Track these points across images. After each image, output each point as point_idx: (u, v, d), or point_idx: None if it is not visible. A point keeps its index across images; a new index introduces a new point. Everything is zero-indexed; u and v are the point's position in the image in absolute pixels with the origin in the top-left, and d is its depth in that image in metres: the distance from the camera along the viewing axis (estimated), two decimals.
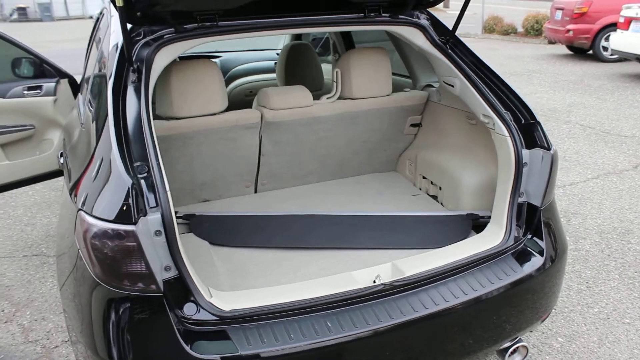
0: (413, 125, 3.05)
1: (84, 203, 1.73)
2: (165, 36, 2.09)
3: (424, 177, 3.00)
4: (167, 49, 2.09)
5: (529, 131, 2.22)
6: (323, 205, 2.82)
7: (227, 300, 1.79)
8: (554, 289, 2.21)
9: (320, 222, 2.61)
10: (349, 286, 1.86)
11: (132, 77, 1.99)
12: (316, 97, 2.81)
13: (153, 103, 3.76)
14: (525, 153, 2.18)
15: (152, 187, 1.70)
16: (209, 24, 2.15)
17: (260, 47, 5.48)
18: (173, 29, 2.13)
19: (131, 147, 1.79)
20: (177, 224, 2.62)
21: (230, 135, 2.59)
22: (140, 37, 2.11)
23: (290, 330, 1.74)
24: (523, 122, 2.24)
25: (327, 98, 2.78)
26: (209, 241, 2.47)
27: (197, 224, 2.58)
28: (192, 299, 1.73)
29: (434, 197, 2.90)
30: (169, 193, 1.71)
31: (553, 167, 2.17)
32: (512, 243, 2.15)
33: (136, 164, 1.74)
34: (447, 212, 2.68)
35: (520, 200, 2.21)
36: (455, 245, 2.18)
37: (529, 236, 2.20)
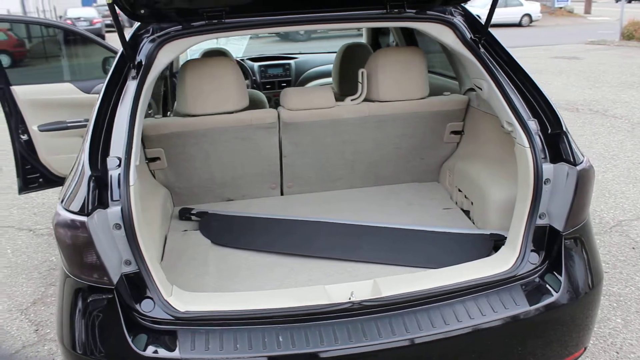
0: (454, 132, 2.79)
1: (63, 195, 1.79)
2: (169, 33, 2.11)
3: (459, 190, 2.73)
4: (170, 45, 2.11)
5: (555, 143, 1.90)
6: (343, 212, 2.68)
7: (187, 301, 1.75)
8: (572, 333, 1.87)
9: (328, 230, 2.47)
10: (316, 300, 1.72)
11: (132, 72, 2.04)
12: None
13: (165, 98, 3.79)
14: (548, 168, 1.87)
15: (119, 181, 1.71)
16: (215, 20, 2.14)
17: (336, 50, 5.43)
18: (180, 26, 2.14)
19: (113, 141, 1.83)
20: (192, 220, 2.67)
21: (245, 134, 2.56)
22: (149, 34, 2.15)
23: (238, 339, 1.65)
24: (550, 131, 1.92)
25: (352, 100, 2.63)
26: (212, 240, 2.45)
27: (205, 223, 2.58)
28: (149, 295, 1.71)
29: (467, 212, 2.62)
30: (131, 188, 1.71)
31: (580, 186, 1.84)
32: (525, 271, 1.86)
33: (109, 157, 1.77)
34: (468, 230, 2.40)
35: (540, 222, 1.90)
36: (457, 267, 1.94)
37: (546, 266, 1.88)
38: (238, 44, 5.41)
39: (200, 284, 2.13)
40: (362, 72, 2.61)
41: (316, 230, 2.47)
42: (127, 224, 1.67)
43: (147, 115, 2.60)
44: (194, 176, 2.70)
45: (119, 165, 1.74)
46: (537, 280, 1.86)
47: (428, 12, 2.26)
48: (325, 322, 1.69)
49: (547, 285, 1.84)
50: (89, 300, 1.71)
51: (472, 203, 2.56)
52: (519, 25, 23.83)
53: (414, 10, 2.25)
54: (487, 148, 2.55)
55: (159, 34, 2.12)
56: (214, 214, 2.64)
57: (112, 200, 1.69)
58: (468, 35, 2.23)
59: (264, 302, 1.74)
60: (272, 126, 2.57)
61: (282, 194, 2.95)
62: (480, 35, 2.22)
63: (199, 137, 2.53)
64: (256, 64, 4.92)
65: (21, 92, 3.52)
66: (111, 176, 1.72)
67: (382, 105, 2.60)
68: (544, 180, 1.86)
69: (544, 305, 1.78)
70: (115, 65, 2.06)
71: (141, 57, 2.07)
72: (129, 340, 1.65)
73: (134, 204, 1.70)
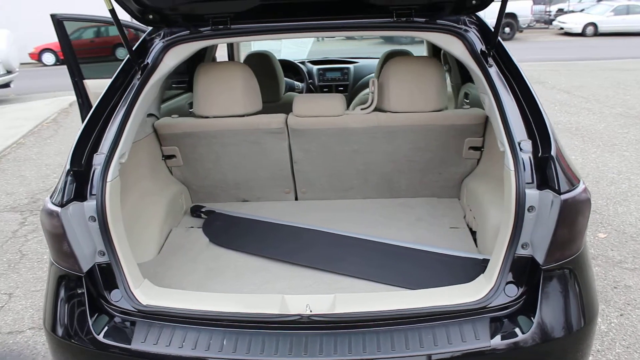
0: (473, 148, 2.64)
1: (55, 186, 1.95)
2: (175, 37, 2.21)
3: (470, 210, 2.58)
4: (176, 49, 2.21)
5: (543, 167, 1.75)
6: (347, 222, 2.64)
7: (152, 295, 1.84)
8: None
9: (322, 240, 2.46)
10: (266, 309, 1.73)
11: (137, 74, 2.17)
12: None
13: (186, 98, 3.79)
14: (533, 194, 1.70)
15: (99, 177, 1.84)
16: (221, 26, 2.20)
17: None
18: (188, 31, 2.23)
19: (105, 138, 1.96)
20: (202, 218, 2.77)
21: (254, 138, 2.60)
22: (160, 38, 2.27)
23: (186, 338, 1.70)
24: (540, 154, 1.77)
25: (362, 109, 2.59)
26: (210, 239, 2.53)
27: (209, 221, 2.66)
28: (118, 286, 1.82)
29: (475, 234, 2.48)
30: (109, 184, 1.82)
31: (564, 216, 1.67)
32: (498, 304, 1.73)
33: (97, 154, 1.90)
34: (463, 254, 2.27)
35: (523, 252, 1.75)
36: (428, 291, 1.85)
37: (523, 300, 1.74)
38: (302, 47, 5.49)
39: (184, 280, 2.21)
40: (373, 81, 2.56)
41: (310, 239, 2.47)
42: (101, 217, 1.78)
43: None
44: (207, 175, 2.80)
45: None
46: (509, 315, 1.73)
47: (438, 21, 2.17)
48: (271, 331, 1.69)
49: (518, 322, 1.70)
50: (64, 286, 1.86)
51: (478, 224, 2.43)
52: None
53: (423, 20, 2.17)
54: (498, 168, 2.39)
55: (167, 38, 2.23)
56: (220, 214, 2.72)
57: (90, 194, 1.81)
58: (478, 46, 2.11)
59: (219, 304, 1.78)
60: (279, 131, 2.60)
61: (296, 199, 2.97)
62: (490, 47, 2.09)
63: (210, 138, 2.62)
64: (315, 67, 4.97)
65: (92, 85, 3.85)
66: (94, 171, 1.85)
67: (392, 116, 2.53)
68: (527, 207, 1.72)
69: (507, 344, 1.65)
70: (122, 65, 2.19)
71: (149, 59, 2.19)
72: (90, 324, 1.77)
73: (109, 199, 1.80)
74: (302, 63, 5.03)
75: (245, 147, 2.66)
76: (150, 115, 2.71)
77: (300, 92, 4.68)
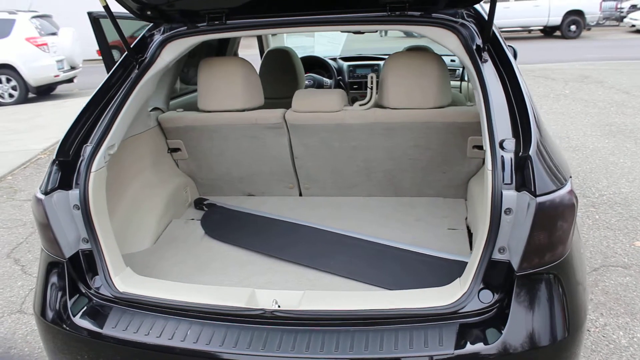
0: (477, 147, 2.54)
1: None
2: (172, 32, 2.26)
3: (470, 211, 2.49)
4: (173, 44, 2.26)
5: (521, 167, 1.66)
6: (344, 220, 2.61)
7: (130, 283, 1.89)
8: None
9: (311, 236, 2.45)
10: (232, 302, 1.75)
11: (135, 69, 2.24)
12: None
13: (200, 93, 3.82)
14: (510, 196, 1.61)
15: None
16: (217, 22, 2.23)
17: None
18: (185, 26, 2.28)
19: (97, 130, 2.04)
20: (204, 210, 2.82)
21: (253, 133, 2.62)
22: (159, 33, 2.33)
23: (155, 326, 1.74)
24: (521, 154, 1.68)
25: (360, 105, 2.55)
26: (206, 232, 2.57)
27: (208, 214, 2.71)
28: (98, 273, 1.89)
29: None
30: (93, 174, 1.90)
31: (540, 220, 1.58)
32: (470, 309, 1.65)
33: (87, 145, 1.98)
34: (450, 256, 2.18)
35: (500, 257, 1.66)
36: (401, 292, 1.80)
37: (496, 308, 1.66)
38: (334, 43, 5.47)
39: (172, 271, 2.26)
40: (372, 77, 2.51)
41: (303, 235, 2.46)
42: (83, 206, 1.86)
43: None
44: (212, 169, 2.85)
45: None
46: (481, 322, 1.65)
47: (433, 15, 2.10)
48: (235, 324, 1.71)
49: (487, 331, 1.62)
50: (50, 272, 1.94)
51: (473, 226, 2.34)
52: None
53: (418, 13, 2.11)
54: None
55: (166, 34, 2.28)
56: (220, 207, 2.76)
57: (76, 183, 1.89)
58: (474, 41, 2.03)
59: (191, 295, 1.81)
60: (278, 126, 2.60)
61: (300, 194, 2.97)
62: (484, 41, 2.01)
63: (211, 132, 2.66)
64: (346, 64, 4.94)
65: None
66: (81, 161, 1.92)
67: (390, 112, 2.48)
68: (504, 209, 1.63)
69: (470, 353, 1.58)
70: (120, 60, 2.27)
71: (147, 54, 2.25)
72: (69, 307, 1.84)
73: (92, 188, 1.87)
74: (334, 60, 5.02)
75: (246, 142, 2.69)
76: (155, 109, 2.78)
77: (329, 88, 4.67)
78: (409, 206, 2.77)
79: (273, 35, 4.87)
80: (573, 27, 19.79)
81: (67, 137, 1.97)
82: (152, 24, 2.37)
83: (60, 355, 1.91)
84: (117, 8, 2.15)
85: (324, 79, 4.71)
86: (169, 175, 2.81)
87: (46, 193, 1.85)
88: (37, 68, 11.45)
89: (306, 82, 4.47)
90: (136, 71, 2.21)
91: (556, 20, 19.29)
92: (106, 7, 2.06)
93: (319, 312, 1.68)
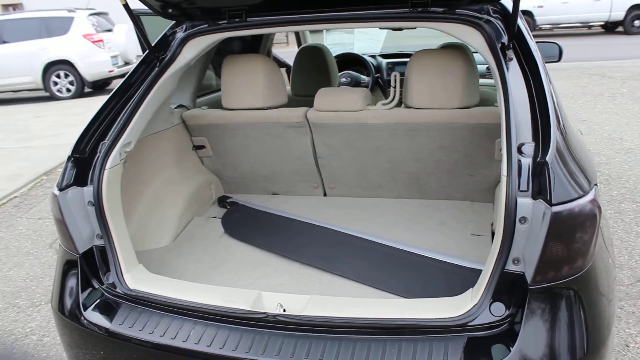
0: None
1: None
2: (194, 30, 2.27)
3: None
4: (194, 41, 2.26)
5: (538, 174, 1.55)
6: (366, 222, 2.54)
7: (141, 280, 1.91)
8: None
9: (333, 239, 2.39)
10: (237, 304, 1.73)
11: (156, 67, 2.25)
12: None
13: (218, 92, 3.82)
14: (526, 204, 1.51)
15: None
16: (237, 19, 2.22)
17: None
18: (207, 24, 2.28)
19: (114, 127, 2.06)
20: (227, 208, 2.83)
21: (275, 132, 2.59)
22: (182, 31, 2.34)
23: (160, 324, 1.75)
24: (539, 159, 1.57)
25: (383, 104, 2.47)
26: (225, 230, 2.56)
27: (230, 212, 2.70)
28: (110, 269, 1.92)
29: None
30: (107, 171, 1.92)
31: (555, 230, 1.47)
32: (480, 322, 1.56)
33: (103, 142, 2.01)
34: (469, 264, 2.08)
35: (514, 268, 1.56)
36: (413, 301, 1.74)
37: (508, 322, 1.56)
38: (374, 40, 5.37)
39: (188, 269, 2.27)
40: (395, 75, 2.43)
41: (322, 237, 2.41)
42: (97, 202, 1.88)
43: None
44: (236, 167, 2.85)
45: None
46: (491, 336, 1.56)
47: (457, 11, 2.01)
48: (239, 327, 1.69)
49: (494, 346, 1.53)
50: (66, 266, 1.99)
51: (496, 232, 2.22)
52: None
53: (441, 10, 2.02)
54: None
55: (187, 32, 2.29)
56: (242, 205, 2.75)
57: (91, 180, 1.92)
58: (500, 39, 1.92)
59: (199, 295, 1.80)
60: (300, 125, 2.56)
61: (325, 194, 2.92)
62: (509, 38, 1.90)
63: (234, 131, 2.65)
64: (385, 61, 4.85)
65: None
66: (96, 159, 1.95)
67: (413, 112, 2.38)
68: (518, 217, 1.53)
69: None
70: (142, 57, 2.29)
71: (168, 52, 2.27)
72: (80, 303, 1.88)
73: (106, 185, 1.90)
74: (374, 57, 4.93)
75: (269, 141, 2.66)
76: (180, 106, 2.80)
77: (366, 86, 4.59)
78: (434, 209, 2.67)
79: (312, 32, 4.84)
80: (637, 23, 18.69)
81: (84, 134, 2.00)
82: (174, 22, 2.38)
83: (75, 349, 1.95)
84: (135, 5, 2.17)
85: (362, 76, 4.64)
86: (192, 172, 2.83)
87: (61, 189, 1.89)
88: (93, 64, 11.92)
89: (343, 79, 4.40)
90: (157, 69, 2.22)
91: (619, 15, 18.28)
92: (125, 5, 2.07)
93: (322, 319, 1.64)
